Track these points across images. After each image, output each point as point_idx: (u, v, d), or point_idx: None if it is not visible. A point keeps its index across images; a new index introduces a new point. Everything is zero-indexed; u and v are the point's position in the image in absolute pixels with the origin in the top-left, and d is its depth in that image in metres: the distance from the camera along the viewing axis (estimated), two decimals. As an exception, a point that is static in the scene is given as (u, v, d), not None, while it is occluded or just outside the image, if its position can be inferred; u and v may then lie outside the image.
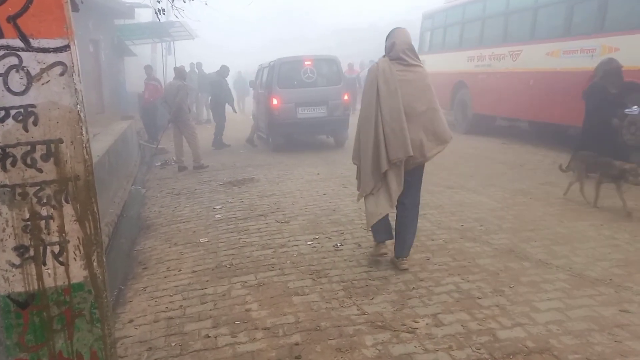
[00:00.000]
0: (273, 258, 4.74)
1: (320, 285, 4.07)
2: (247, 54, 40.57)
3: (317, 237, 5.25)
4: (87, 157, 1.45)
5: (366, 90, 4.27)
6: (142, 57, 24.76)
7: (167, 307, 3.89)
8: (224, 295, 4.02)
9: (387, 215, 4.24)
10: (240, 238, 5.40)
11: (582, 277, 3.99)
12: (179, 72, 9.79)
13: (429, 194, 6.73)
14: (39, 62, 1.82)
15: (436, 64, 14.78)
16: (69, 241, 1.67)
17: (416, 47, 15.10)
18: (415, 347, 3.09)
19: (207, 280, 4.34)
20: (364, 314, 3.54)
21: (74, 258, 1.57)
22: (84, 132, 1.57)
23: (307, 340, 3.25)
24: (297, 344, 3.20)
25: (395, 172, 4.12)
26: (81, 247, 1.55)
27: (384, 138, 4.06)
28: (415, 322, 3.40)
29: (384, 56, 4.28)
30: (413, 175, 4.23)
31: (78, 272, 1.58)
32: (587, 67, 8.90)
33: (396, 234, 4.39)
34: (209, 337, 3.39)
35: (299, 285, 4.10)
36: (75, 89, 1.71)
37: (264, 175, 8.67)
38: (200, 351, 3.22)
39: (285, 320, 3.53)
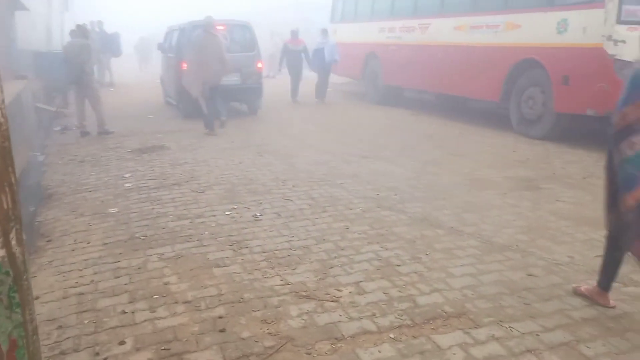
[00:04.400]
0: (190, 229, 4.59)
1: (241, 256, 4.00)
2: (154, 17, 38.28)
3: (235, 207, 5.15)
4: (2, 119, 1.26)
5: (194, 46, 8.95)
6: (35, 12, 22.80)
7: (76, 282, 3.65)
8: (139, 268, 3.84)
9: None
10: (153, 208, 5.17)
11: (490, 243, 4.22)
12: (81, 30, 9.05)
13: (345, 164, 6.81)
14: None
15: (348, 34, 14.84)
16: (-18, 218, 1.46)
17: (328, 16, 15.07)
18: (340, 315, 3.13)
19: (120, 253, 4.12)
20: (288, 284, 3.53)
21: (-11, 236, 1.38)
22: (-1, 91, 1.35)
23: (231, 312, 3.19)
24: (220, 317, 3.13)
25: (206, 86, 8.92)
26: (-3, 224, 1.36)
27: (202, 71, 8.74)
28: (339, 290, 3.44)
29: (202, 29, 8.97)
30: (215, 86, 8.98)
31: (-7, 252, 1.39)
32: (492, 43, 9.33)
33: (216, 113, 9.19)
34: (126, 312, 3.23)
35: (219, 256, 4.01)
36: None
37: (175, 143, 8.34)
38: (117, 328, 3.06)
39: (207, 292, 3.44)
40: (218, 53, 8.73)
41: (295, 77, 13.41)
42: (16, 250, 1.24)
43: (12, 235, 1.23)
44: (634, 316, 3.11)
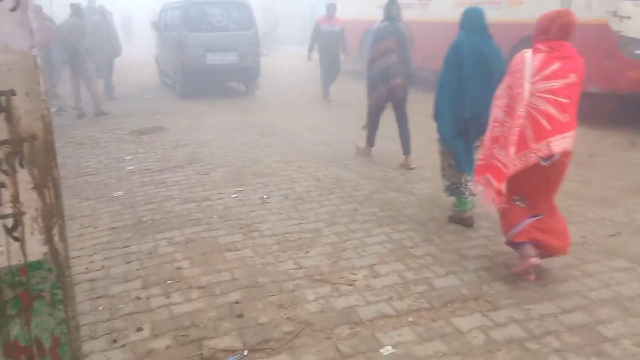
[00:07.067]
0: (198, 212, 4.54)
1: (252, 240, 3.96)
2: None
3: (241, 189, 5.09)
4: (45, 112, 1.19)
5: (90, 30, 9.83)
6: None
7: (87, 268, 3.61)
8: (150, 253, 3.81)
9: None
10: (158, 191, 5.11)
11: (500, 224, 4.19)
12: (75, 10, 8.86)
13: (348, 144, 6.75)
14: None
15: (345, 10, 14.61)
16: (24, 213, 1.36)
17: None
18: (357, 299, 3.11)
19: (129, 238, 4.08)
20: (301, 268, 3.51)
21: (31, 232, 1.30)
22: (41, 82, 1.28)
23: (246, 297, 3.16)
24: (237, 302, 3.11)
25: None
26: (40, 219, 1.29)
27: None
28: (353, 274, 3.42)
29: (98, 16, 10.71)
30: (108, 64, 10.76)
31: (36, 249, 1.32)
32: (495, 19, 9.20)
33: None
34: (140, 298, 3.20)
35: (230, 240, 3.97)
36: (30, 28, 1.38)
37: (175, 124, 8.23)
38: (133, 314, 3.03)
39: (221, 277, 3.42)
40: (107, 36, 10.47)
41: (328, 68, 10.20)
42: (59, 246, 1.20)
43: (55, 231, 1.19)
44: (650, 296, 3.11)
